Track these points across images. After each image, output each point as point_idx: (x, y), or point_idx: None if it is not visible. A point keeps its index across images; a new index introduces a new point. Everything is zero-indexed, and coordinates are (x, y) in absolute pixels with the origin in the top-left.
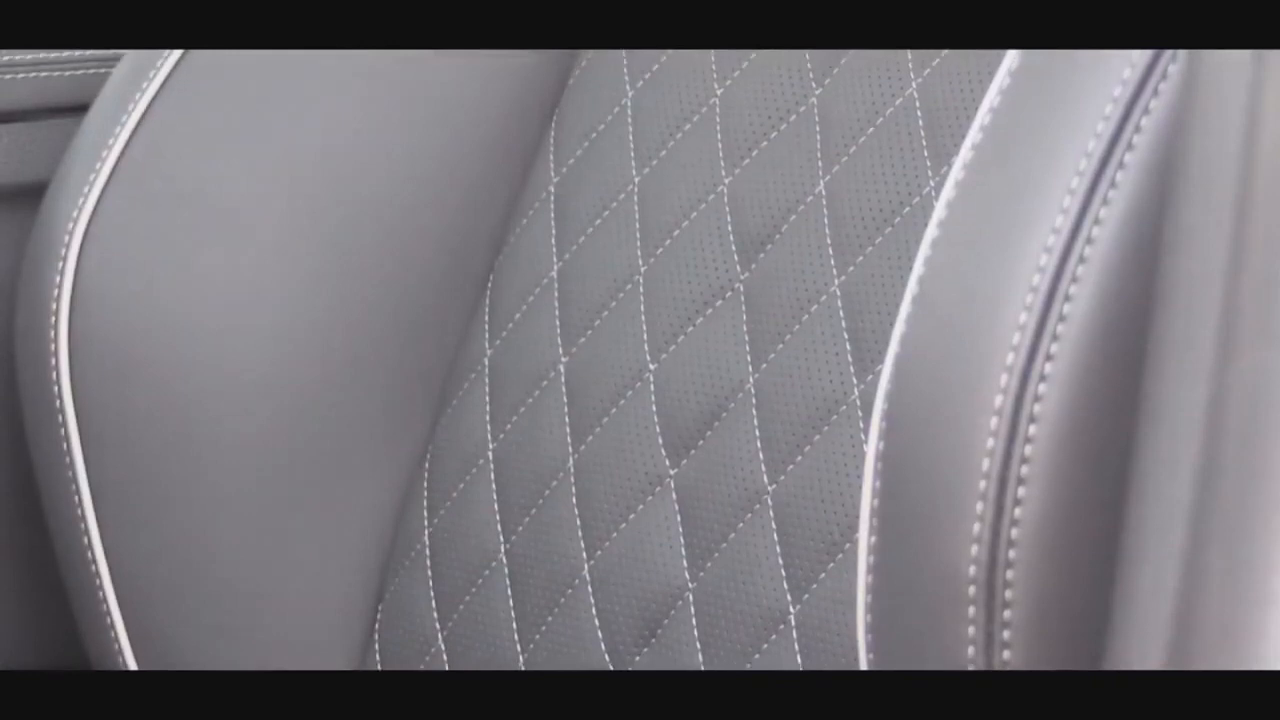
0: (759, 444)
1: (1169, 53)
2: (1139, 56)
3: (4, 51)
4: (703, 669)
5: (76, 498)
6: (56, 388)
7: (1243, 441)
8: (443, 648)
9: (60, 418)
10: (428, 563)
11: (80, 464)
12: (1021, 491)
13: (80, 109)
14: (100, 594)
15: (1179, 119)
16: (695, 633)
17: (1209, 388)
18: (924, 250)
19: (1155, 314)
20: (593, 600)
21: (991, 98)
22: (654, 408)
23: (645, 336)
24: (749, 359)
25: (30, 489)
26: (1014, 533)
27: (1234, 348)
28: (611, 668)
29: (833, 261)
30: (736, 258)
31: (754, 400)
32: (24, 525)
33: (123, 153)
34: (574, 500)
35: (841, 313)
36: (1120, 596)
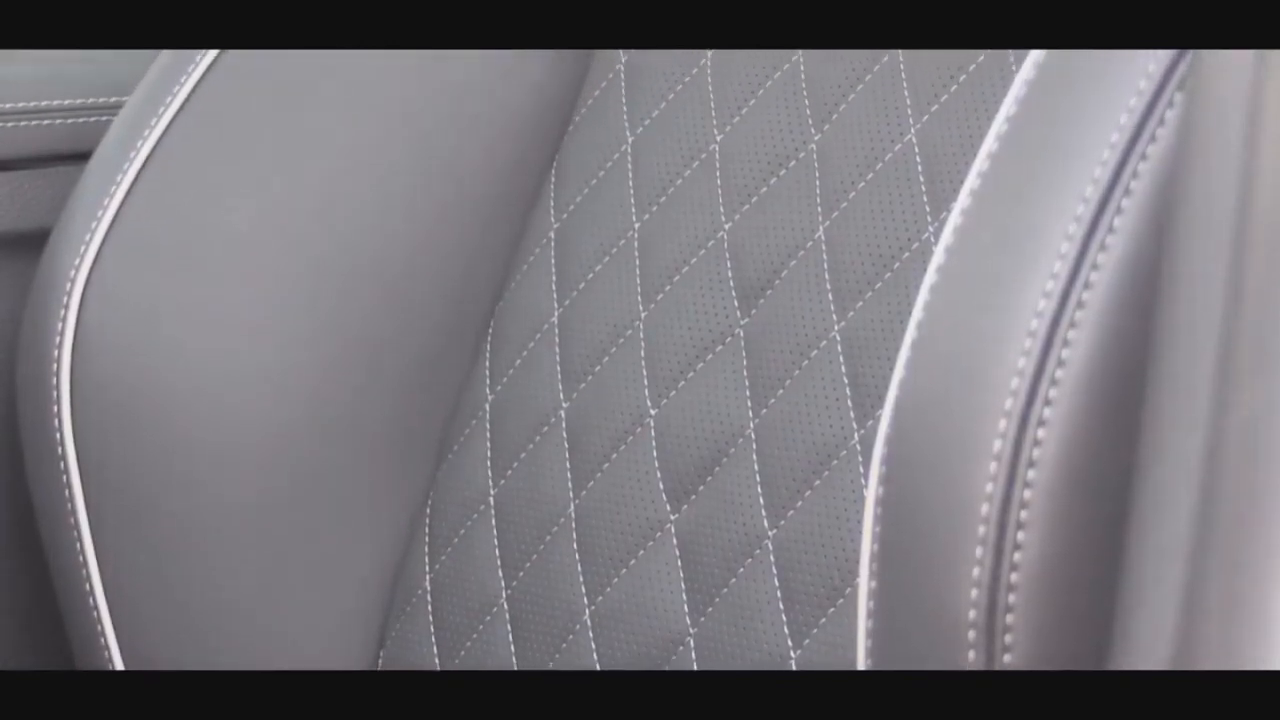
0: (759, 489)
1: (1165, 98)
2: (1135, 102)
3: (5, 100)
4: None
5: (78, 541)
6: (58, 434)
7: (1240, 484)
8: None
9: (62, 463)
10: (429, 608)
11: (81, 508)
12: (1021, 535)
13: (81, 157)
14: (101, 638)
15: (1176, 164)
16: None
17: (1206, 431)
18: (923, 295)
19: (1153, 358)
20: (594, 645)
21: (990, 143)
22: (654, 453)
23: (646, 382)
24: (749, 404)
25: (32, 534)
26: (1013, 576)
27: (1231, 391)
28: None
29: (832, 307)
30: (736, 303)
31: (754, 445)
32: (25, 573)
33: (124, 201)
34: (575, 546)
35: (841, 358)
36: (1119, 638)
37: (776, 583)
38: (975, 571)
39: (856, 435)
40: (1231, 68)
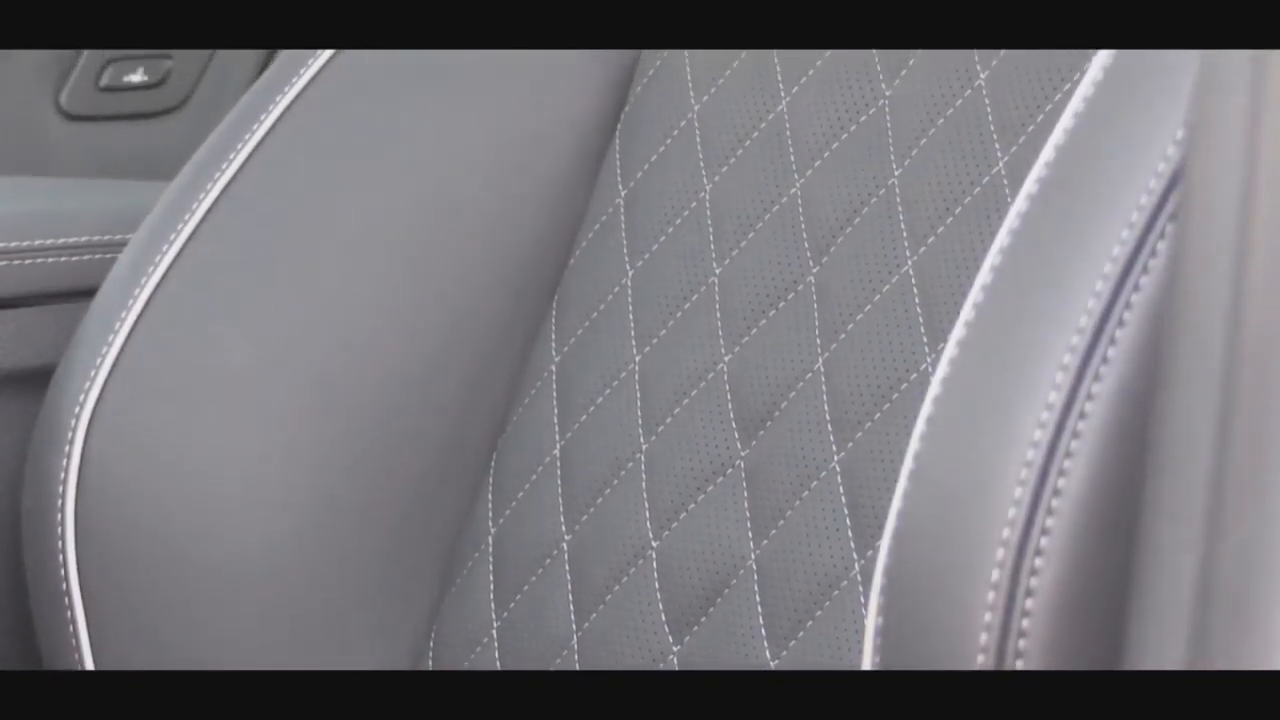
0: (761, 620)
1: (1158, 228)
2: (1128, 234)
3: (9, 239)
4: None
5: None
6: (63, 570)
7: (1233, 613)
8: None
9: (67, 599)
10: None
11: (86, 645)
12: (1019, 664)
13: (85, 294)
14: None
15: (1168, 292)
16: None
17: (1201, 554)
18: (920, 426)
19: (1148, 484)
20: None
21: (984, 275)
22: (656, 584)
23: (647, 514)
24: (750, 535)
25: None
26: None
27: (1225, 515)
28: None
29: (832, 437)
30: (737, 435)
31: (756, 576)
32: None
33: (128, 338)
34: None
35: (841, 488)
36: None
37: None
38: None
39: (857, 565)
40: (1220, 199)
